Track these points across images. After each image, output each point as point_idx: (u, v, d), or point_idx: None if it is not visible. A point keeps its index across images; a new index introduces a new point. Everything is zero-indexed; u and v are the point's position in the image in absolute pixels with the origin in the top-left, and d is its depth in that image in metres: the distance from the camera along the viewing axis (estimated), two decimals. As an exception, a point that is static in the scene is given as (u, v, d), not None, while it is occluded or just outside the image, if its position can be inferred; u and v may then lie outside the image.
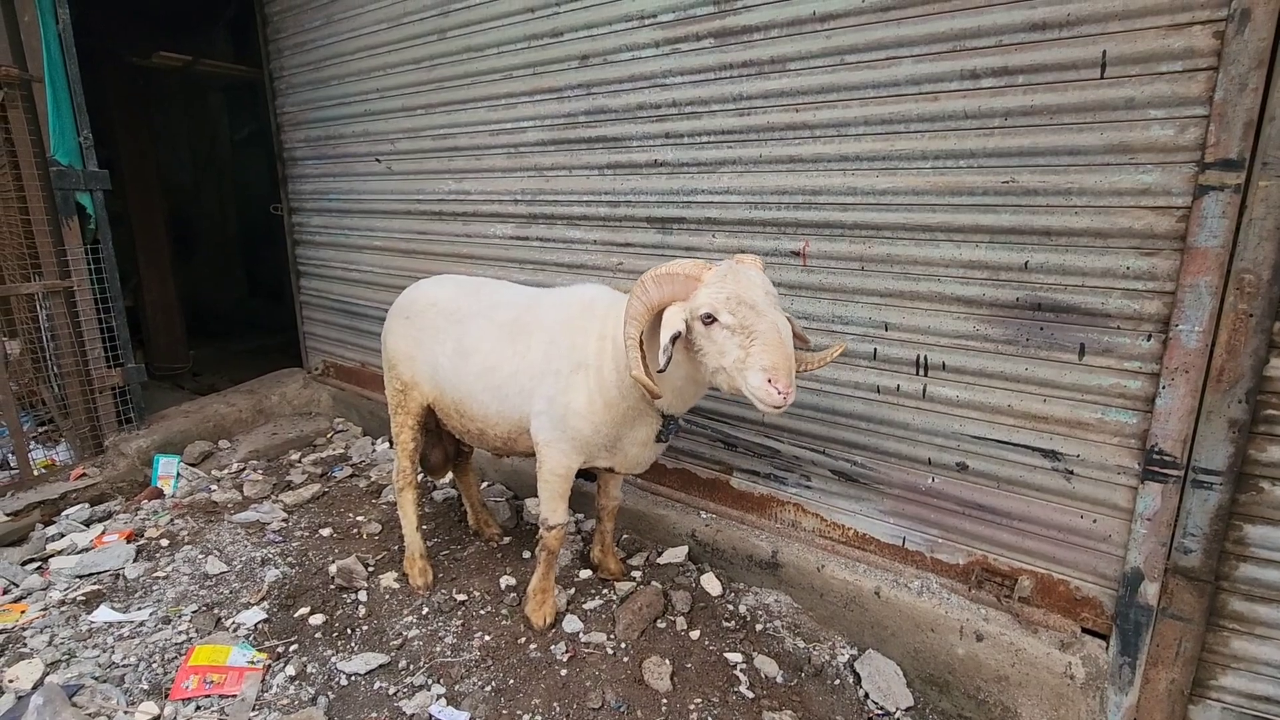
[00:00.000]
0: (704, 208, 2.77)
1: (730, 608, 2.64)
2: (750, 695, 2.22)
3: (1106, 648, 2.11)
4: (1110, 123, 1.90)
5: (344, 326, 4.72)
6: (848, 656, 2.42)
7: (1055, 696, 2.13)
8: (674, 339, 1.91)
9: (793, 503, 2.78)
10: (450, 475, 3.30)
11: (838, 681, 2.32)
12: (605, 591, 2.73)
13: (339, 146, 4.36)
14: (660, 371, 1.95)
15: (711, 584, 2.75)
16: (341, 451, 4.32)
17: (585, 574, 2.85)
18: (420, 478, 3.00)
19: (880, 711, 2.23)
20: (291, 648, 2.47)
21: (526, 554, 3.03)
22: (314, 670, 2.36)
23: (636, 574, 2.84)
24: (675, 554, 2.92)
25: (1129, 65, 1.84)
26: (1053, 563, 2.20)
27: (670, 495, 3.15)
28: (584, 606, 2.63)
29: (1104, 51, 1.86)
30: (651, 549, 3.01)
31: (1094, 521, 2.09)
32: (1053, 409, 2.11)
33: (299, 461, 4.17)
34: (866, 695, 2.29)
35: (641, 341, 1.97)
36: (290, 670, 2.34)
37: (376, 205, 4.22)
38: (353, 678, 2.32)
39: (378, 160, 4.11)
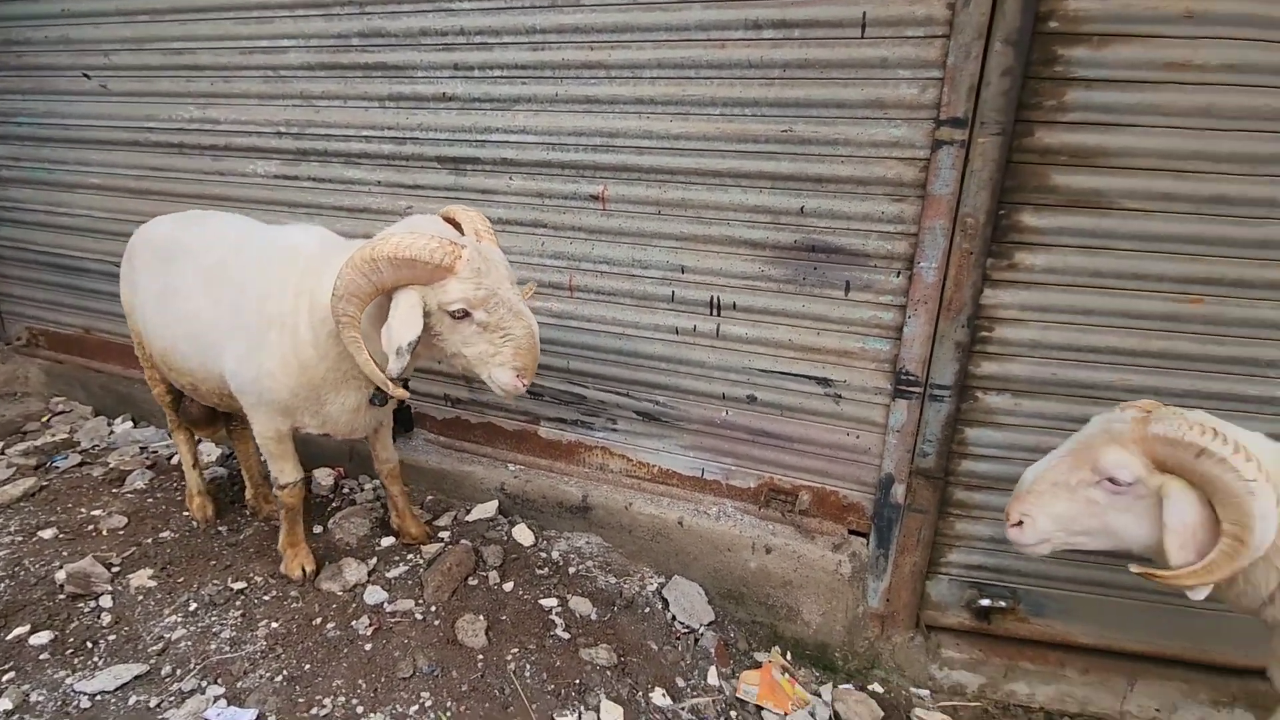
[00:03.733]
0: (499, 148, 2.63)
1: (544, 555, 2.64)
2: (567, 636, 2.25)
3: (867, 544, 2.45)
4: (869, 80, 2.10)
5: (56, 285, 3.82)
6: (656, 585, 2.55)
7: (829, 591, 2.45)
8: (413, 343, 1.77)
9: (600, 446, 2.83)
10: (224, 440, 2.95)
11: (648, 609, 2.44)
12: (411, 557, 2.58)
13: (27, 56, 3.44)
14: (391, 377, 1.86)
15: (523, 535, 2.72)
16: (65, 437, 3.55)
17: (387, 541, 2.67)
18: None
19: (685, 629, 2.40)
20: (5, 677, 2.01)
21: (319, 529, 2.75)
22: (41, 699, 1.94)
23: (445, 534, 2.72)
24: (485, 509, 2.84)
25: (883, 27, 2.05)
26: (826, 477, 2.49)
27: (476, 451, 3.04)
28: (388, 575, 2.47)
29: (864, 13, 2.05)
30: (460, 507, 2.90)
31: (857, 437, 2.40)
32: (825, 341, 2.36)
33: (2, 454, 3.36)
34: (674, 617, 2.44)
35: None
36: (5, 704, 1.90)
37: (90, 133, 3.42)
38: (98, 698, 1.95)
39: (86, 76, 3.32)
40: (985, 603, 2.35)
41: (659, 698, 2.09)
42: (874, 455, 2.38)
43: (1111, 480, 1.54)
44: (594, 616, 2.36)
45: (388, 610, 2.29)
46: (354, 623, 2.22)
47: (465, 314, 1.77)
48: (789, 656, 2.49)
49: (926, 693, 2.39)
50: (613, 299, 2.62)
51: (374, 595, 2.34)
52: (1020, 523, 1.65)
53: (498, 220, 2.67)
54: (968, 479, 2.32)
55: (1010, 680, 2.37)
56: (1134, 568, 1.61)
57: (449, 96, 2.65)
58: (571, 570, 2.58)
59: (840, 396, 2.38)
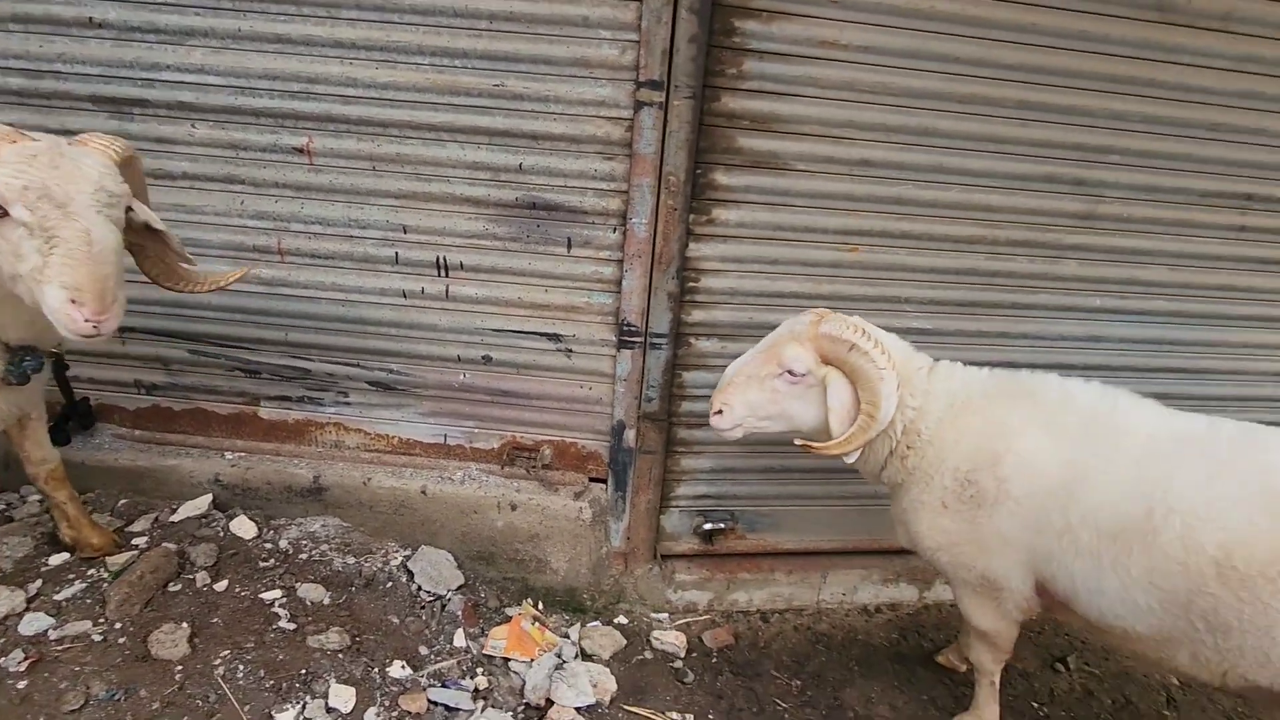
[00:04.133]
0: (174, 89, 2.26)
1: (269, 546, 2.40)
2: (292, 627, 2.08)
3: (607, 489, 2.59)
4: (573, 38, 2.14)
5: None
6: (401, 559, 2.45)
7: (573, 538, 2.55)
8: None
9: (333, 423, 2.63)
10: None
11: (390, 584, 2.34)
12: (92, 572, 2.19)
13: None
14: None
15: (244, 528, 2.44)
16: None
17: (59, 559, 2.23)
18: None
19: (432, 597, 2.35)
20: None
21: (-43, 558, 2.22)
22: None
23: (141, 540, 2.35)
24: (195, 506, 2.50)
25: (581, -15, 2.09)
26: (566, 430, 2.58)
27: (183, 442, 2.65)
28: (56, 598, 2.07)
29: (562, -32, 2.07)
30: (164, 507, 2.51)
31: (590, 389, 2.50)
32: (553, 297, 2.40)
33: None
34: (419, 588, 2.37)
35: None
36: None
37: None
38: None
39: None
40: (708, 527, 2.62)
41: (397, 670, 2.03)
42: (606, 404, 2.51)
43: (790, 372, 1.84)
44: (327, 601, 2.21)
45: (53, 638, 1.91)
46: (2, 660, 1.83)
47: (3, 212, 1.43)
48: (540, 606, 2.56)
49: (665, 615, 2.62)
50: (331, 262, 2.42)
51: (33, 624, 1.94)
52: (720, 411, 1.92)
53: (182, 174, 2.31)
54: (688, 419, 2.55)
55: (733, 591, 2.69)
56: (797, 441, 1.94)
57: (98, 23, 2.20)
58: (302, 558, 2.38)
59: (571, 351, 2.46)
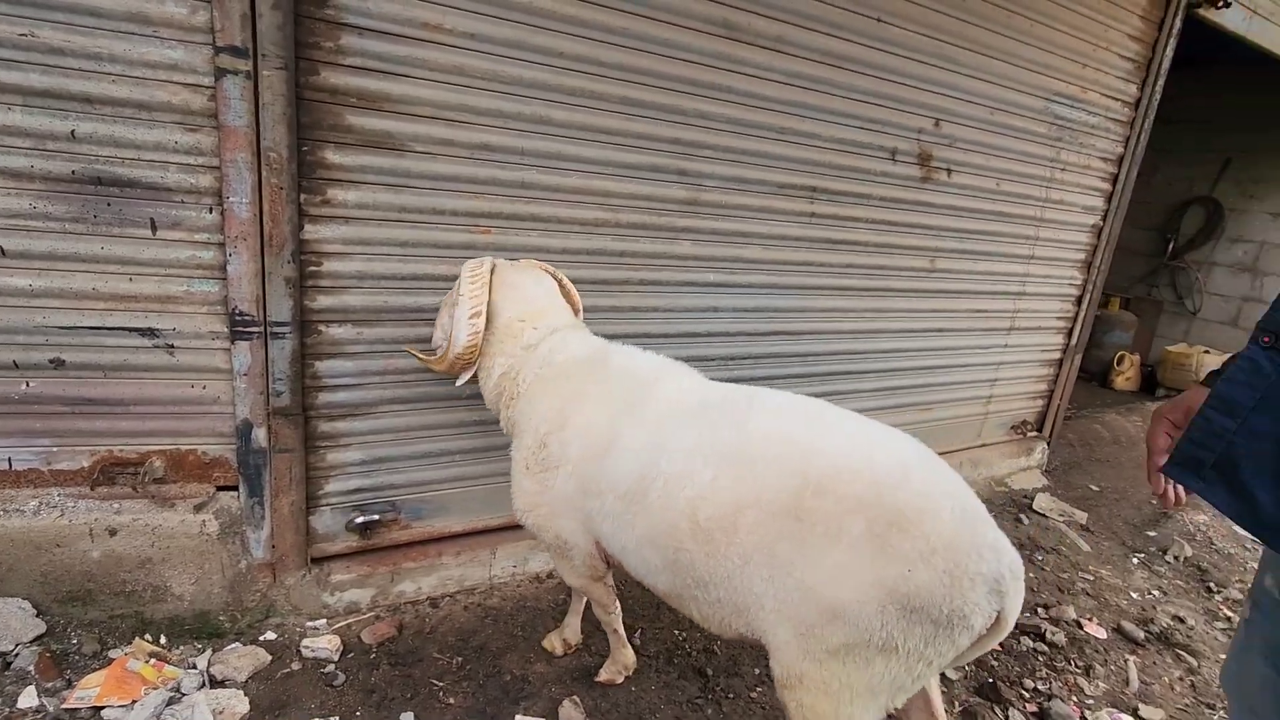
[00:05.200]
0: None
1: None
2: None
3: (238, 496, 2.36)
4: (128, -11, 1.88)
5: None
6: (-55, 618, 1.98)
7: (199, 556, 2.28)
8: None
9: None
10: None
11: (-78, 652, 1.88)
12: None
13: None
14: None
15: None
16: None
17: None
18: None
19: (-11, 657, 1.94)
20: None
21: None
22: None
23: None
24: None
25: (127, -70, 1.84)
26: (179, 436, 2.28)
27: None
28: None
29: (98, -93, 1.80)
30: None
31: (204, 388, 2.25)
32: (141, 287, 2.11)
33: None
34: (-28, 649, 1.94)
35: None
36: None
37: None
38: None
39: None
40: (362, 520, 2.52)
41: (-85, 754, 1.63)
42: (226, 403, 2.27)
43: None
44: None
45: None
46: None
47: None
48: (164, 639, 2.25)
49: (322, 622, 2.47)
50: None
51: None
52: None
53: None
54: (329, 410, 2.42)
55: (398, 583, 2.63)
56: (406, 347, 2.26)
57: None
58: None
59: (173, 347, 2.18)
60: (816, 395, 3.49)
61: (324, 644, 2.34)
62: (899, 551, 1.34)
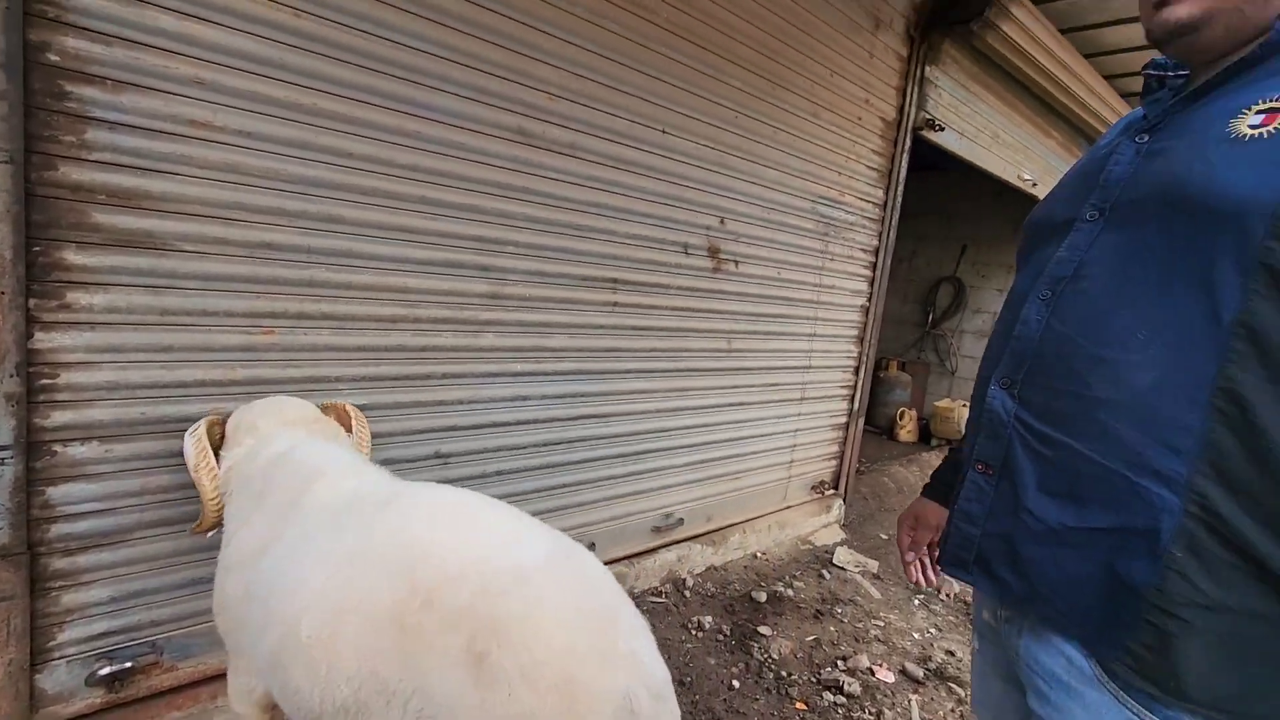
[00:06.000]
0: None
1: None
2: None
3: (-70, 663, 1.92)
4: None
5: None
6: None
7: None
8: None
9: None
10: None
11: None
12: None
13: None
14: None
15: None
16: None
17: None
18: None
19: None
20: None
21: None
22: None
23: None
24: None
25: None
26: None
27: None
28: None
29: None
30: None
31: (-117, 533, 1.84)
32: None
33: None
34: None
35: None
36: None
37: None
38: None
39: None
40: (109, 671, 2.16)
41: None
42: (-85, 549, 1.88)
43: None
44: None
45: None
46: None
47: None
48: None
49: (50, 805, 2.04)
50: None
51: None
52: None
53: None
54: (66, 544, 2.08)
55: (157, 739, 2.26)
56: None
57: None
58: None
59: None
60: (630, 474, 3.64)
61: (49, 834, 1.93)
62: (500, 670, 1.11)
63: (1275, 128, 0.92)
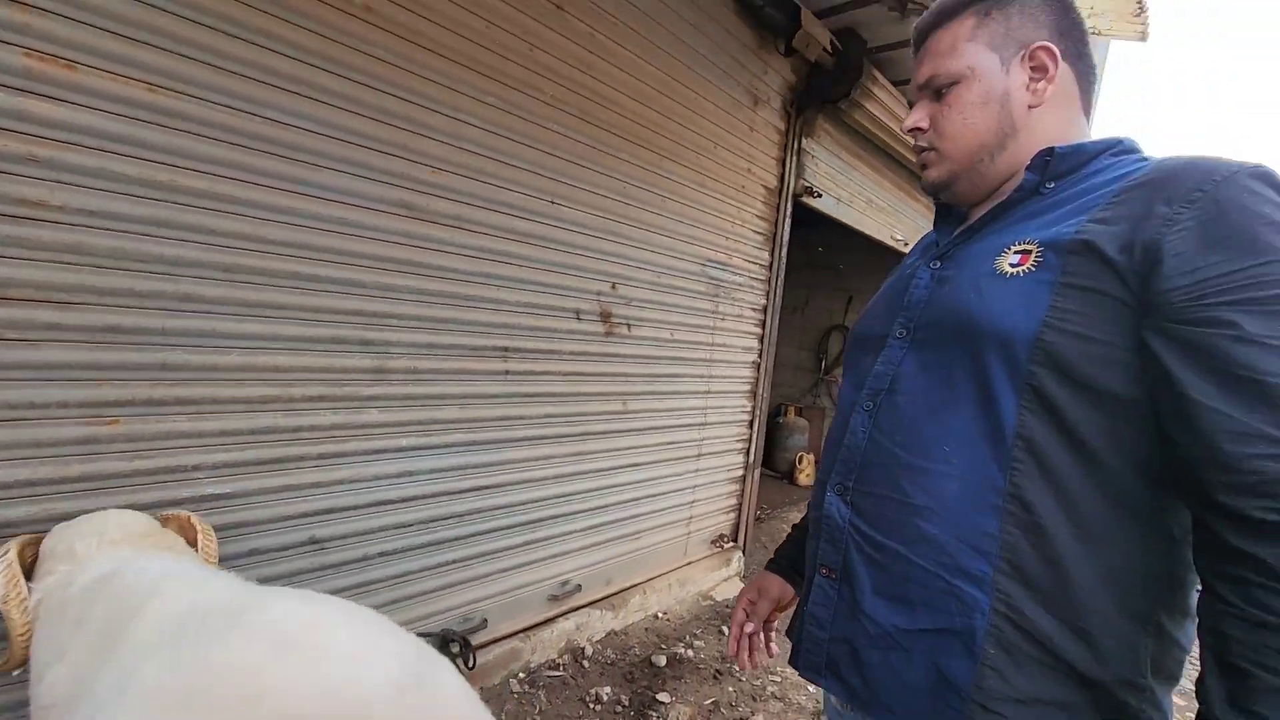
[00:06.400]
0: None
1: None
2: None
3: None
4: None
5: None
6: None
7: None
8: None
9: None
10: None
11: None
12: None
13: None
14: None
15: None
16: None
17: None
18: None
19: None
20: None
21: None
22: None
23: None
24: None
25: None
26: None
27: None
28: None
29: None
30: None
31: None
32: None
33: None
34: None
35: None
36: None
37: None
38: None
39: None
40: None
41: None
42: None
43: None
44: None
45: None
46: None
47: None
48: None
49: None
50: None
51: None
52: None
53: None
54: None
55: None
56: None
57: None
58: None
59: None
60: (525, 543, 3.56)
61: None
62: None
63: (1028, 268, 1.07)
